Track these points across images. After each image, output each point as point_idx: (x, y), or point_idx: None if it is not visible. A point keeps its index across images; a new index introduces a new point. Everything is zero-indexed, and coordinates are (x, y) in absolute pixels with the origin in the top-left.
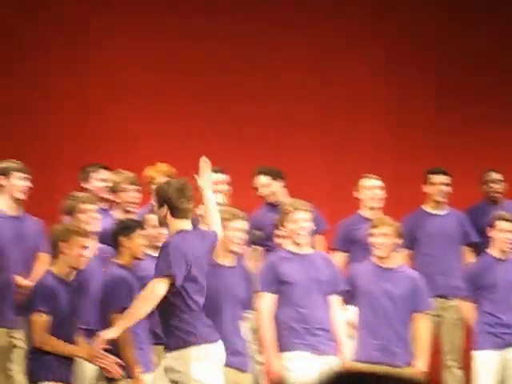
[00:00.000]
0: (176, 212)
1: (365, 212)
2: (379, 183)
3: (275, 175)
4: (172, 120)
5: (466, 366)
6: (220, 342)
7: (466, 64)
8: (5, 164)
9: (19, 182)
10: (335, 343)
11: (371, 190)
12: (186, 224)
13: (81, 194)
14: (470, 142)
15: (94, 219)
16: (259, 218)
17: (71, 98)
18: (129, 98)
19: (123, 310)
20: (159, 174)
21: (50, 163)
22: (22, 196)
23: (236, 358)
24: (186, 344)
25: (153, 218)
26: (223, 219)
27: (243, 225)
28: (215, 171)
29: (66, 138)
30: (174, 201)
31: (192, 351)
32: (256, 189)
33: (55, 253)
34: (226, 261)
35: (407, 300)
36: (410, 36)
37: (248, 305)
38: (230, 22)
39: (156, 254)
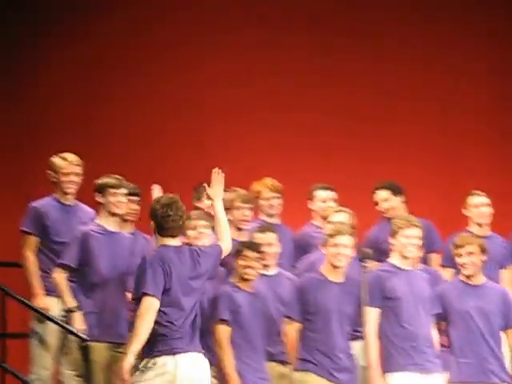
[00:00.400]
0: (160, 229)
1: (473, 228)
2: (486, 200)
3: (395, 190)
4: (278, 135)
5: None
6: (189, 355)
7: None
8: (102, 181)
9: (113, 199)
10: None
11: (479, 207)
12: (170, 241)
13: (191, 212)
14: None
15: (202, 234)
16: (375, 233)
17: (185, 116)
18: (236, 114)
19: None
20: (266, 188)
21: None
22: (119, 211)
23: (343, 375)
24: (143, 354)
25: (262, 237)
26: (327, 235)
27: (348, 240)
28: (325, 188)
29: (181, 158)
30: (159, 218)
31: (143, 361)
32: (376, 203)
33: None
34: (333, 276)
35: (499, 315)
36: None
37: (358, 322)
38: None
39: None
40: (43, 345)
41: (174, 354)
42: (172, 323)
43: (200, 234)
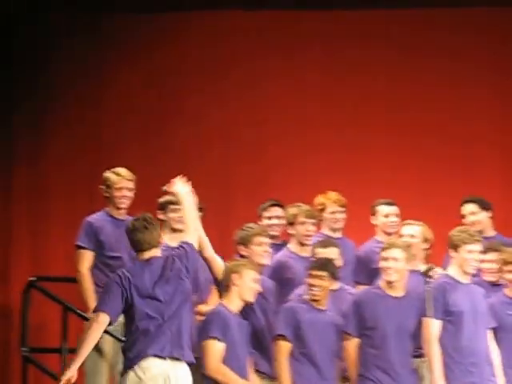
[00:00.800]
0: (131, 244)
1: None
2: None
3: (483, 205)
4: (340, 151)
5: None
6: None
7: None
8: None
9: (172, 215)
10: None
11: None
12: (143, 255)
13: (255, 226)
14: None
15: (267, 252)
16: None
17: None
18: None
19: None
20: (330, 201)
21: (228, 196)
22: (178, 226)
23: None
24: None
25: (324, 252)
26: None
27: (399, 254)
28: (388, 204)
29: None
30: (128, 234)
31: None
32: (462, 217)
33: (228, 285)
34: (391, 290)
35: None
36: None
37: (417, 338)
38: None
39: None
40: (99, 358)
41: (144, 357)
42: (145, 331)
43: (264, 252)
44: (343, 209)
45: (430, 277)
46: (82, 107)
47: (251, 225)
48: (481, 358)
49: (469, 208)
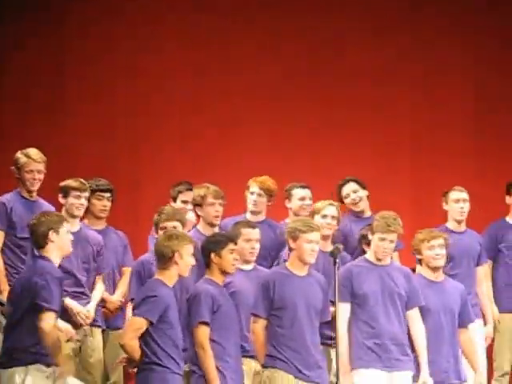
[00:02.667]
0: None
1: (450, 224)
2: (466, 196)
3: (362, 184)
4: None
5: None
6: None
7: None
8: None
9: (73, 200)
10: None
11: (459, 202)
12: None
13: (169, 210)
14: None
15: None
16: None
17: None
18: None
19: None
20: (256, 183)
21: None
22: (78, 213)
23: (313, 372)
24: None
25: (246, 232)
26: (299, 231)
27: (317, 236)
28: (303, 187)
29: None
30: None
31: None
32: (346, 196)
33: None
34: (299, 271)
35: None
36: None
37: (325, 315)
38: None
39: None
40: None
41: None
42: None
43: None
44: (261, 191)
45: (336, 257)
46: None
47: (166, 208)
48: (387, 339)
49: (350, 187)
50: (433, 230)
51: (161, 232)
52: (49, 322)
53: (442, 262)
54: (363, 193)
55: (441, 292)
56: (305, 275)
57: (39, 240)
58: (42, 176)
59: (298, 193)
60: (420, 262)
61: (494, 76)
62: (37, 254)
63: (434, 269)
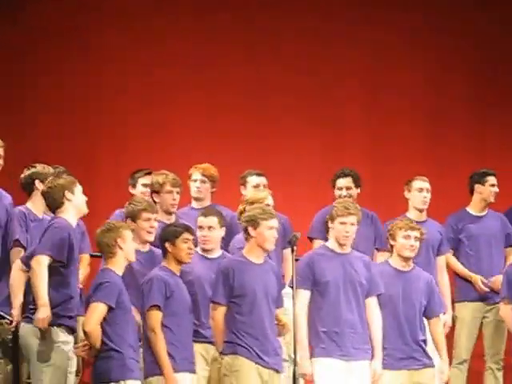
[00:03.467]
0: None
1: (411, 214)
2: (428, 186)
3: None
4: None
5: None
6: None
7: None
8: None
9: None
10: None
11: (422, 191)
12: None
13: (143, 200)
14: None
15: (153, 228)
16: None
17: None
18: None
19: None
20: (196, 170)
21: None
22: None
23: (272, 358)
24: None
25: (204, 220)
26: (259, 218)
27: (276, 223)
28: (258, 174)
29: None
30: None
31: None
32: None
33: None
34: (257, 259)
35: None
36: None
37: (279, 302)
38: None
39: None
40: None
41: None
42: None
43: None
44: (204, 178)
45: (294, 245)
46: None
47: (139, 199)
48: (347, 328)
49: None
50: (413, 221)
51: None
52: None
53: (412, 254)
54: (355, 191)
55: (406, 281)
56: (262, 263)
57: (55, 202)
58: (1, 161)
59: (252, 180)
60: (392, 248)
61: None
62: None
63: (405, 258)
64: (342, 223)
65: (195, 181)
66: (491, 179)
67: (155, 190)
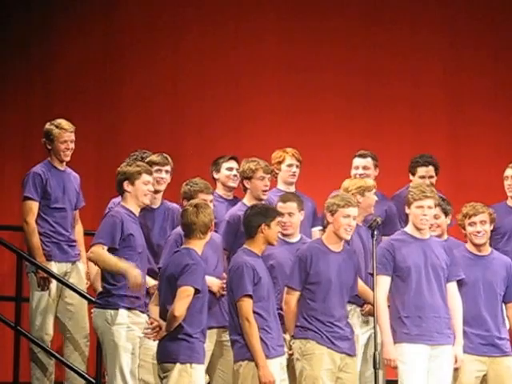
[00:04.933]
0: None
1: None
2: None
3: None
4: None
5: None
6: None
7: None
8: None
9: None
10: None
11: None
12: None
13: (200, 182)
14: None
15: None
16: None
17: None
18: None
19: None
20: (288, 154)
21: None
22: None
23: (344, 343)
24: None
25: (284, 206)
26: (335, 205)
27: (354, 212)
28: (361, 156)
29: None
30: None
31: None
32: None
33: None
34: (334, 246)
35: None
36: None
37: (354, 290)
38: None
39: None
40: (44, 308)
41: None
42: None
43: None
44: (299, 163)
45: (374, 229)
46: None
47: (196, 180)
48: (429, 312)
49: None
50: (477, 204)
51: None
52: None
53: (482, 240)
54: (434, 179)
55: (483, 266)
56: (340, 251)
57: (116, 188)
58: (73, 145)
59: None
60: (465, 236)
61: None
62: None
63: (476, 245)
64: (419, 207)
65: (291, 166)
66: None
67: (247, 177)
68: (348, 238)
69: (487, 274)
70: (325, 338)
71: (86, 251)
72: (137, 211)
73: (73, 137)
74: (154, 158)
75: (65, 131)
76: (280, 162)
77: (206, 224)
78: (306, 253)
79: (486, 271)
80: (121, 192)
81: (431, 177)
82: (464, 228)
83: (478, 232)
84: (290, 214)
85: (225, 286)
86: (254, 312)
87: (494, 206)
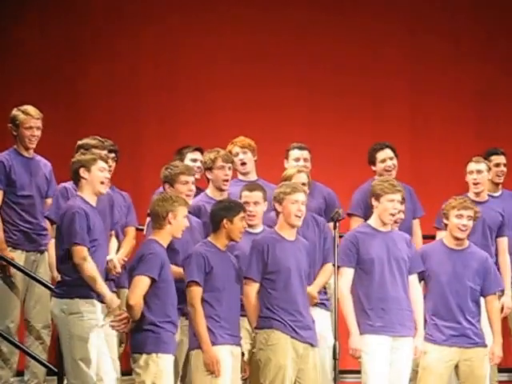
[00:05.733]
0: None
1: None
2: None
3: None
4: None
5: None
6: None
7: None
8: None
9: None
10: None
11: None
12: None
13: (180, 164)
14: None
15: (191, 191)
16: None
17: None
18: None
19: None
20: (233, 145)
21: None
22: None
23: (307, 332)
24: None
25: (250, 195)
26: (281, 193)
27: (302, 197)
28: (300, 148)
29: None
30: None
31: None
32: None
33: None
34: (288, 236)
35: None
36: None
37: (310, 279)
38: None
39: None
40: (11, 296)
41: None
42: None
43: (189, 191)
44: (246, 150)
45: (337, 221)
46: None
47: (176, 163)
48: (392, 304)
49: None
50: (467, 199)
51: (179, 185)
52: (79, 255)
53: (464, 235)
54: (396, 161)
55: (459, 260)
56: (294, 240)
57: (72, 176)
58: (39, 133)
59: (294, 153)
60: (446, 227)
61: None
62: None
63: (457, 238)
64: (390, 200)
65: (237, 155)
66: None
67: (208, 167)
68: (299, 224)
69: (458, 267)
70: (288, 328)
71: None
72: (93, 200)
73: (39, 124)
74: (91, 141)
75: (31, 117)
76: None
77: (160, 215)
78: (261, 243)
79: (456, 265)
80: (76, 181)
81: (392, 158)
82: (448, 218)
83: (464, 225)
84: (255, 203)
85: None
86: (204, 300)
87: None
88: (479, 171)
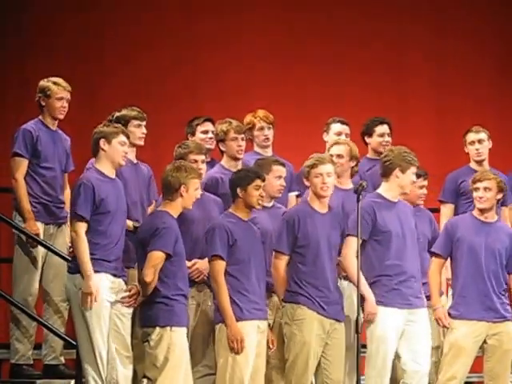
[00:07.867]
0: None
1: (473, 164)
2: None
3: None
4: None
5: None
6: None
7: None
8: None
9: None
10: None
11: (472, 144)
12: None
13: (191, 143)
14: None
15: (201, 170)
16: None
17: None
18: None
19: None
20: (257, 119)
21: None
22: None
23: (333, 308)
24: None
25: (283, 170)
26: (306, 167)
27: (327, 169)
28: (342, 122)
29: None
30: None
31: None
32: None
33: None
34: (320, 208)
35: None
36: None
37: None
38: None
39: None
40: (30, 269)
41: None
42: None
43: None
44: (270, 125)
45: (360, 194)
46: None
47: (188, 141)
48: (410, 277)
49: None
50: (487, 171)
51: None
52: (73, 228)
53: (482, 205)
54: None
55: (489, 232)
56: (326, 212)
57: (92, 146)
58: (67, 106)
59: (335, 127)
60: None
61: None
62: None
63: (481, 210)
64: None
65: (262, 129)
66: None
67: (220, 139)
68: (326, 194)
69: (490, 240)
70: (316, 304)
71: None
72: (111, 173)
73: (69, 96)
74: (132, 112)
75: (63, 89)
76: (251, 128)
77: (173, 187)
78: (293, 215)
79: (488, 238)
80: (96, 152)
81: (389, 135)
82: (471, 192)
83: (481, 198)
84: (285, 178)
85: None
86: (230, 274)
87: (458, 171)
88: (480, 140)
